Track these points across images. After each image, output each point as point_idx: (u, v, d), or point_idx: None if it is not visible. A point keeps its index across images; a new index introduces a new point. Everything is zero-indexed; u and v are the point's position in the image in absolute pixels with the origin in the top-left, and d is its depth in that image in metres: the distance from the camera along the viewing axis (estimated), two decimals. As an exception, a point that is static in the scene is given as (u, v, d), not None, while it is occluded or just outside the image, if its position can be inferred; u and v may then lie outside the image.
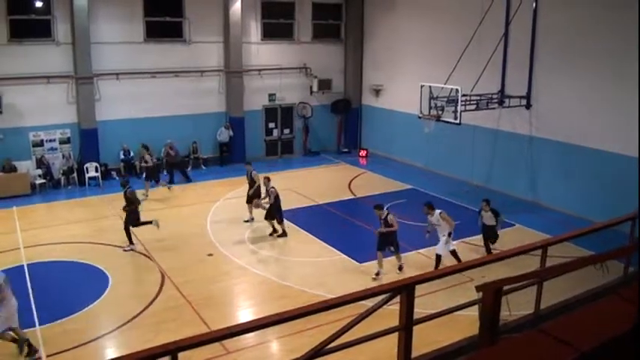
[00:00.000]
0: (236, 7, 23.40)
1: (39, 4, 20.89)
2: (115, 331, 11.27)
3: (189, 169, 22.76)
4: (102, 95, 21.79)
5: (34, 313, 11.79)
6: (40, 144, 21.14)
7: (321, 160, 25.41)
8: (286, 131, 26.29)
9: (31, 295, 12.56)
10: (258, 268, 14.02)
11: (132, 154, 22.25)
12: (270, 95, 25.44)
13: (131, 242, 15.07)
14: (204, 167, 23.80)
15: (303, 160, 25.54)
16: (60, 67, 20.99)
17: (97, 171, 21.49)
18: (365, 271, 13.58)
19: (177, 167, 21.86)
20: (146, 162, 19.87)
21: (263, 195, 16.37)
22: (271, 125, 25.91)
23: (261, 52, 24.74)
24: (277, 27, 25.21)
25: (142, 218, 15.44)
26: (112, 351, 10.77)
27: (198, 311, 11.85)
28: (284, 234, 15.95)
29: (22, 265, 14.11)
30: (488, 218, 14.10)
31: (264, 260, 14.53)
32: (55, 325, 11.38)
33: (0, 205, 18.64)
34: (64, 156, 21.15)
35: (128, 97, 22.12)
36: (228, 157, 24.14)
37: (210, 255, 14.84)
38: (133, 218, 15.11)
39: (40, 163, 20.84)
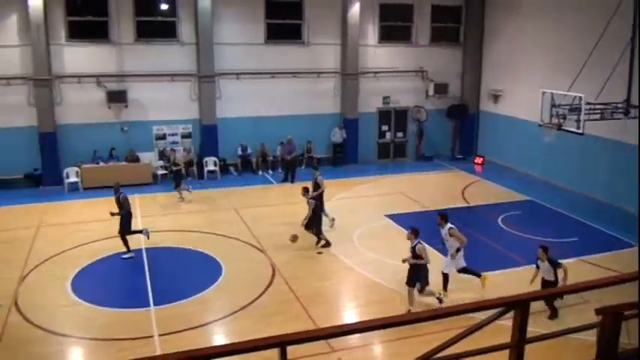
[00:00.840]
0: (354, 9, 23.58)
1: (164, 7, 22.13)
2: (224, 318, 11.73)
3: (302, 167, 23.18)
4: (222, 94, 22.74)
5: (150, 294, 12.56)
6: (163, 137, 22.40)
7: (434, 166, 25.04)
8: (399, 134, 26.15)
9: (147, 278, 13.39)
10: (365, 269, 14.03)
11: (249, 150, 23.04)
12: (385, 98, 25.41)
13: (128, 250, 14.77)
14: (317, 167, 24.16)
15: (415, 165, 25.29)
16: (184, 66, 22.17)
17: (215, 165, 22.48)
18: (475, 282, 13.21)
19: (292, 165, 22.28)
20: (177, 164, 19.81)
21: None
22: (384, 128, 25.87)
23: (377, 54, 24.78)
24: (395, 30, 25.14)
25: (134, 227, 15.25)
26: (220, 337, 11.23)
27: (305, 307, 12.07)
28: (327, 244, 15.42)
29: (141, 249, 15.06)
30: (546, 271, 11.60)
31: (371, 262, 14.50)
32: (168, 307, 12.06)
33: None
34: (184, 149, 22.28)
35: (247, 96, 22.93)
36: (341, 157, 24.40)
37: (320, 253, 15.06)
38: (125, 224, 14.82)
39: (162, 155, 22.07)
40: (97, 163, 21.02)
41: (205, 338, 11.02)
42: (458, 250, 12.28)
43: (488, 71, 25.79)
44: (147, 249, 15.08)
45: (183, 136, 22.67)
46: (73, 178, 20.67)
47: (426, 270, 11.78)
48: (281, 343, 4.10)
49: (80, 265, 14.24)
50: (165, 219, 17.49)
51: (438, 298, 11.95)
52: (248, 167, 23.08)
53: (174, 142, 22.43)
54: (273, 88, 23.24)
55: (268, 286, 13.07)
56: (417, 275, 11.66)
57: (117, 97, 21.32)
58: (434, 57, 25.60)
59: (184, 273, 13.87)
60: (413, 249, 11.58)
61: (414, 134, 26.08)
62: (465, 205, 19.61)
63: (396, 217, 17.33)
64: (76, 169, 20.80)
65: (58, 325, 11.45)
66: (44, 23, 20.10)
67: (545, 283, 11.55)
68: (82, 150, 21.00)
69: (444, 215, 12.68)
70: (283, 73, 23.30)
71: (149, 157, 21.89)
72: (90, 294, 12.71)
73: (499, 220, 17.39)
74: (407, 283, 11.70)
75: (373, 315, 11.53)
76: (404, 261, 11.73)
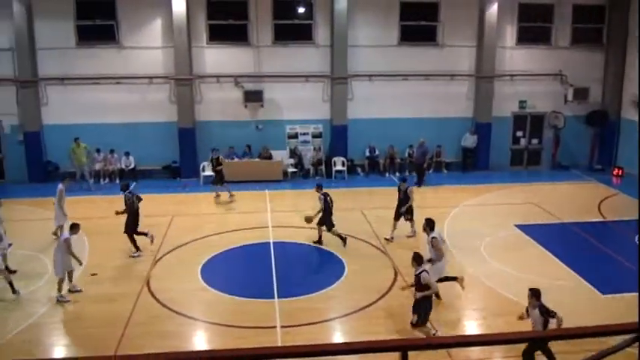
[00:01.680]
0: (492, 10, 22.80)
1: (302, 10, 22.67)
2: (344, 317, 11.83)
3: (430, 171, 22.80)
4: (354, 95, 22.90)
5: (275, 286, 12.91)
6: (295, 136, 22.97)
7: (570, 176, 23.59)
8: (534, 141, 24.93)
9: (273, 270, 13.78)
10: (491, 280, 13.52)
11: (377, 152, 23.05)
12: (521, 102, 24.33)
13: (137, 249, 14.89)
14: (445, 171, 23.71)
15: (550, 174, 23.98)
16: (318, 67, 22.60)
17: (343, 165, 22.69)
18: (607, 304, 12.29)
19: (423, 169, 21.90)
20: (220, 164, 19.79)
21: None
22: (519, 134, 24.79)
23: (514, 56, 23.80)
24: (534, 31, 23.99)
25: (141, 228, 15.20)
26: (339, 335, 11.33)
27: (426, 313, 11.85)
28: (344, 241, 15.29)
29: (269, 242, 15.55)
30: (536, 320, 9.42)
31: (497, 273, 13.94)
32: (292, 300, 12.35)
33: (255, 188, 20.70)
34: (314, 149, 22.68)
35: (378, 98, 22.92)
36: (472, 163, 23.72)
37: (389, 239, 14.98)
38: (132, 224, 14.93)
39: (293, 153, 22.64)
40: (232, 159, 21.95)
41: (324, 334, 11.15)
42: (430, 261, 11.78)
43: (631, 75, 23.88)
44: (274, 243, 15.52)
45: (314, 136, 23.10)
46: (208, 172, 21.73)
47: (430, 304, 10.64)
48: (403, 347, 4.01)
49: (210, 253, 14.99)
50: (293, 215, 17.89)
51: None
52: (375, 169, 23.09)
53: (304, 142, 22.93)
54: (404, 90, 23.05)
55: (390, 289, 12.97)
56: (418, 306, 10.53)
57: (253, 97, 22.16)
58: (574, 60, 24.13)
59: (308, 269, 14.14)
60: (417, 277, 10.50)
61: (550, 141, 24.74)
62: (601, 219, 18.31)
63: (527, 228, 16.54)
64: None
65: (184, 307, 12.15)
66: (187, 27, 21.37)
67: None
68: (218, 145, 21.99)
69: (429, 221, 12.44)
70: (415, 75, 23.04)
71: (281, 155, 22.53)
72: (217, 281, 13.35)
73: (636, 239, 16.08)
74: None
75: (495, 328, 11.14)
76: (403, 288, 11.55)
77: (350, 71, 22.55)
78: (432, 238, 12.13)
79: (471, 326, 11.80)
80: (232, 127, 22.42)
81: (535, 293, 9.45)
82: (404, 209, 15.74)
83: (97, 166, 22.01)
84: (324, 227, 15.34)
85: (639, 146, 18.31)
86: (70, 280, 12.90)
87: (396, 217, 15.83)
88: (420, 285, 10.36)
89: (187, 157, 22.30)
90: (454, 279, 12.53)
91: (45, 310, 12.23)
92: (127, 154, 21.75)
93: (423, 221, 12.68)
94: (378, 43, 22.72)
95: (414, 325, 10.50)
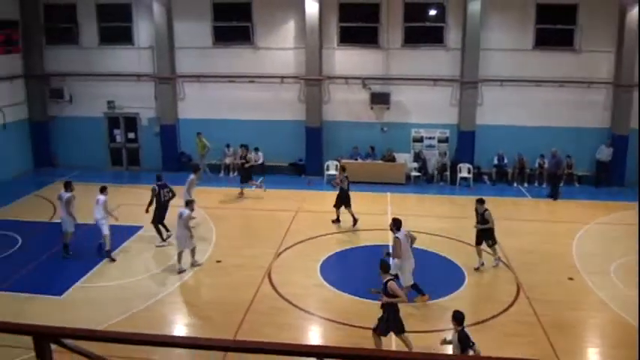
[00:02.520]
0: (633, 12, 21.01)
1: (433, 13, 22.45)
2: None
3: (561, 184, 21.62)
4: (484, 100, 22.31)
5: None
6: (420, 140, 22.75)
7: None
8: (678, 157, 22.90)
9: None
10: (620, 307, 12.51)
11: (505, 160, 22.28)
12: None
13: (162, 239, 15.66)
14: (577, 184, 22.46)
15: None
16: (447, 71, 22.24)
17: (469, 172, 22.12)
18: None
19: (557, 180, 20.97)
20: (248, 161, 20.42)
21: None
22: (661, 148, 22.87)
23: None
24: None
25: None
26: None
27: (548, 334, 11.33)
28: (355, 222, 16.84)
29: (387, 245, 15.44)
30: (454, 348, 9.02)
31: (628, 299, 12.75)
32: (406, 305, 12.13)
33: (376, 190, 20.78)
34: (439, 154, 22.34)
35: (509, 104, 22.13)
36: (605, 177, 22.19)
37: (571, 279, 13.95)
38: (158, 215, 15.74)
39: (417, 157, 22.43)
40: (356, 159, 22.15)
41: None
42: (387, 254, 12.36)
43: None
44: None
45: (440, 141, 22.75)
46: (332, 171, 22.07)
47: (396, 311, 10.29)
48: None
49: (330, 251, 15.32)
50: (413, 219, 17.70)
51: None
52: (503, 178, 22.31)
53: (429, 146, 22.65)
54: (537, 97, 22.06)
55: (511, 305, 12.54)
56: (384, 311, 10.31)
57: (380, 99, 22.23)
58: None
59: (428, 276, 13.92)
60: (384, 285, 10.25)
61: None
62: None
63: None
64: (335, 162, 22.16)
65: (302, 301, 12.51)
66: (319, 29, 21.84)
67: None
68: (342, 145, 22.35)
69: (396, 221, 12.51)
70: (549, 81, 21.97)
71: (404, 158, 22.41)
72: (335, 279, 13.61)
73: None
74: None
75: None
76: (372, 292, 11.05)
77: (480, 75, 21.98)
78: (396, 237, 12.32)
79: (593, 355, 11.15)
80: (357, 128, 22.64)
81: (456, 317, 9.04)
82: (479, 228, 14.30)
83: (227, 160, 23.09)
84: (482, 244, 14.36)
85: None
86: (193, 255, 14.19)
87: (478, 242, 14.44)
88: (386, 292, 10.19)
89: (313, 156, 22.82)
90: (422, 293, 12.46)
91: (172, 289, 13.12)
92: (257, 149, 22.57)
93: (390, 221, 12.81)
94: (511, 47, 21.91)
95: (374, 330, 10.37)
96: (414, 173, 22.29)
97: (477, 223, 14.23)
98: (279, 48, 22.62)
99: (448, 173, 22.29)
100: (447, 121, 22.64)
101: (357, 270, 14.60)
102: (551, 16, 21.92)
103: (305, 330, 11.85)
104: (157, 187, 15.77)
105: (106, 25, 23.64)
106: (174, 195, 16.00)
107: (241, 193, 20.39)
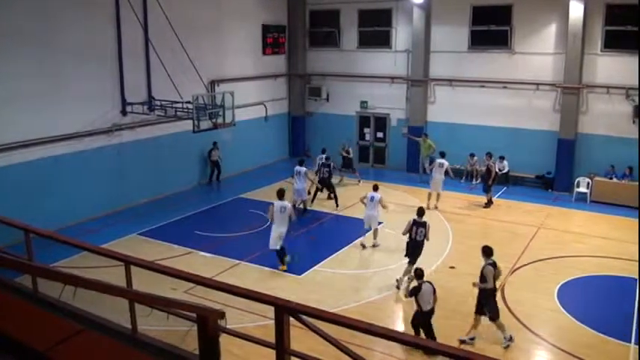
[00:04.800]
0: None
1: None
2: None
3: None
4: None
5: (634, 329, 11.52)
6: None
7: None
8: None
9: (636, 310, 12.39)
10: None
11: None
12: None
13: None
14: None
15: None
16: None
17: None
18: None
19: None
20: (347, 152, 22.85)
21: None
22: None
23: None
24: None
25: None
26: None
27: None
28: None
29: (635, 279, 13.88)
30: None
31: None
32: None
33: (631, 215, 18.60)
34: None
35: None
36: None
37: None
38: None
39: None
40: (610, 179, 20.30)
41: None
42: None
43: None
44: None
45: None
46: (582, 189, 20.55)
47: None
48: None
49: (570, 275, 14.23)
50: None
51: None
52: None
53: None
54: None
55: None
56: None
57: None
58: None
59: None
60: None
61: None
62: None
63: None
64: (587, 179, 20.60)
65: (534, 324, 11.87)
66: (582, 32, 20.38)
67: None
68: (597, 162, 20.64)
69: (279, 191, 14.25)
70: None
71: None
72: (573, 307, 12.61)
73: None
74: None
75: None
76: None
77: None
78: (272, 205, 14.16)
79: None
80: (615, 144, 20.56)
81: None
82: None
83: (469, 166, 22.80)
84: None
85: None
86: (375, 236, 15.77)
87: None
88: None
89: (563, 170, 21.43)
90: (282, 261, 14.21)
91: (403, 287, 13.32)
92: (502, 158, 21.89)
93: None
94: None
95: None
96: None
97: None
98: (537, 53, 21.63)
99: None
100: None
101: (601, 302, 13.24)
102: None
103: (531, 354, 11.20)
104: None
105: (366, 30, 24.94)
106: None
107: (489, 202, 19.95)
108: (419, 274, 11.14)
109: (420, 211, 13.73)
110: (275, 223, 14.04)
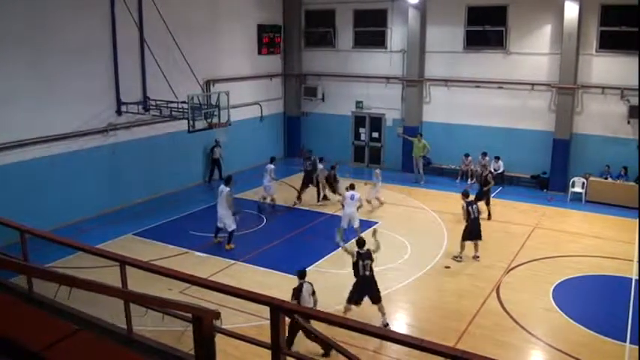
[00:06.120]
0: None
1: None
2: None
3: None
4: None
5: (628, 329, 11.65)
6: None
7: None
8: None
9: (630, 310, 12.44)
10: None
11: None
12: None
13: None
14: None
15: None
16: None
17: None
18: None
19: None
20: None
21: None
22: None
23: None
24: None
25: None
26: None
27: None
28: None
29: (630, 279, 14.03)
30: None
31: None
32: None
33: (626, 215, 18.81)
34: None
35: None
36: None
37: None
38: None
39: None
40: (606, 178, 20.38)
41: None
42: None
43: None
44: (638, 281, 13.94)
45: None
46: (577, 189, 20.60)
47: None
48: None
49: (565, 274, 14.28)
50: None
51: None
52: None
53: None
54: None
55: None
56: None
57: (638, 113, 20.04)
58: None
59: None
60: None
61: None
62: None
63: None
64: (582, 179, 20.65)
65: (529, 323, 11.89)
66: (577, 33, 20.43)
67: None
68: (592, 162, 20.72)
69: (228, 178, 15.41)
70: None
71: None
72: (568, 306, 12.65)
73: None
74: None
75: None
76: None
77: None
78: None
79: None
80: (611, 144, 20.69)
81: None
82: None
83: (464, 167, 22.87)
84: None
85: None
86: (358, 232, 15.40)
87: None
88: None
89: (558, 170, 21.48)
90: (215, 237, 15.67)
91: (398, 287, 13.44)
92: (497, 158, 21.95)
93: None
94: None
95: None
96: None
97: None
98: (532, 53, 21.68)
99: None
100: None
101: (596, 301, 13.30)
102: None
103: (528, 354, 11.25)
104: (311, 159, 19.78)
105: (361, 30, 24.97)
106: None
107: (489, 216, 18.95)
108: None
109: (361, 242, 11.89)
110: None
